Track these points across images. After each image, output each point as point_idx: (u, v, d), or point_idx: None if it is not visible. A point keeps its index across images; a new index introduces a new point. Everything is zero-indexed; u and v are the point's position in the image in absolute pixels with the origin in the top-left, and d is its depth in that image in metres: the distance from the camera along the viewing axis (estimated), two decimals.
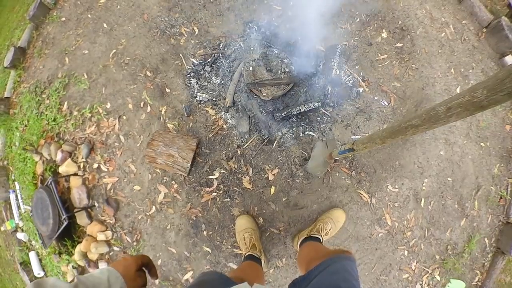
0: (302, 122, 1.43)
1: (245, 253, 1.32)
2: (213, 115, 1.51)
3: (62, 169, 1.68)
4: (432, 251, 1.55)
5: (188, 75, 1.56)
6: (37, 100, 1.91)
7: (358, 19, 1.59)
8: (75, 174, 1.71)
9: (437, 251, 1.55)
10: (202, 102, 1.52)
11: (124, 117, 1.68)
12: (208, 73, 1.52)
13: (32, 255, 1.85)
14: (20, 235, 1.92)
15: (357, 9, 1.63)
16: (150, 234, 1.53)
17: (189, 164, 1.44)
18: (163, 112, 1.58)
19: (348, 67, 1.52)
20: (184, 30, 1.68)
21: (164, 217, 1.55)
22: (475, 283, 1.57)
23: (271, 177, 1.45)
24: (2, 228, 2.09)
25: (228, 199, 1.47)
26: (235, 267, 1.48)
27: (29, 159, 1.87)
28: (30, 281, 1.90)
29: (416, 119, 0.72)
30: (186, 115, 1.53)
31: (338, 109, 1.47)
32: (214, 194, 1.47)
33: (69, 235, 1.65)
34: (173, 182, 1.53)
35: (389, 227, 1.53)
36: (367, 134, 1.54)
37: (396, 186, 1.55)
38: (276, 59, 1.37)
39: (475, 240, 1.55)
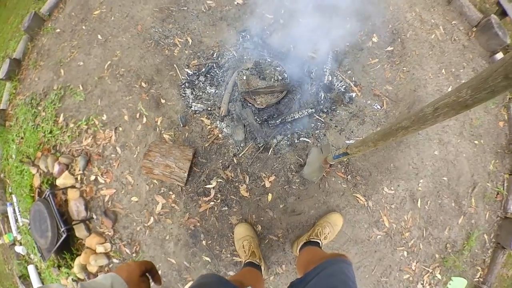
0: (296, 129, 1.44)
1: (245, 261, 1.32)
2: (208, 125, 1.52)
3: (59, 182, 1.68)
4: (431, 250, 1.56)
5: (183, 86, 1.57)
6: (33, 112, 1.91)
7: (348, 25, 1.61)
8: (73, 187, 1.71)
9: (436, 250, 1.56)
10: (197, 112, 1.54)
11: (120, 129, 1.69)
12: (203, 83, 1.53)
13: (31, 269, 1.84)
14: (19, 249, 1.91)
15: (347, 15, 1.65)
16: (149, 245, 1.53)
17: (186, 174, 1.44)
18: (158, 122, 1.59)
19: (340, 72, 1.54)
20: (178, 41, 1.70)
21: (163, 227, 1.55)
22: (477, 279, 1.57)
23: (267, 184, 1.46)
24: (0, 242, 2.08)
25: (226, 208, 1.47)
26: None
27: (26, 172, 1.87)
28: None
29: (405, 121, 0.74)
30: (181, 125, 1.54)
31: (331, 114, 1.49)
32: (212, 203, 1.48)
33: (68, 247, 1.65)
34: (170, 192, 1.54)
35: (387, 229, 1.54)
36: (360, 138, 1.56)
37: (392, 188, 1.57)
38: (269, 67, 1.38)
39: (474, 237, 1.56)
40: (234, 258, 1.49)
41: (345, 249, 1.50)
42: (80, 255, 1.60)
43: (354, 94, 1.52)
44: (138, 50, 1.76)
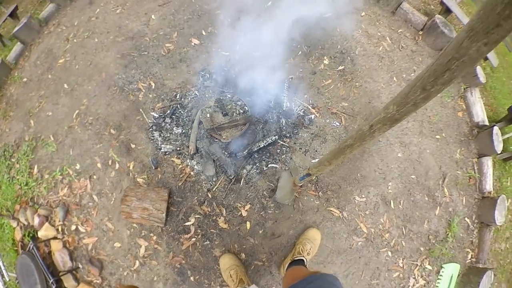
0: (264, 157, 1.53)
1: None
2: (179, 164, 1.58)
3: (41, 234, 1.67)
4: (414, 245, 1.65)
5: (151, 129, 1.62)
6: (7, 164, 1.89)
7: (300, 52, 1.74)
8: (55, 238, 1.70)
9: (420, 244, 1.65)
10: (167, 153, 1.59)
11: (95, 177, 1.70)
12: (169, 125, 1.59)
13: None
14: None
15: (298, 43, 1.78)
16: None
17: (164, 215, 1.48)
18: (131, 167, 1.63)
19: (297, 98, 1.65)
20: (142, 86, 1.76)
21: (149, 269, 1.56)
22: (469, 260, 1.66)
23: (244, 213, 1.52)
24: None
25: (208, 242, 1.51)
26: None
27: (6, 226, 1.84)
28: None
29: (349, 140, 0.81)
30: (153, 167, 1.58)
31: (294, 138, 1.58)
32: (193, 239, 1.51)
33: None
34: (151, 234, 1.56)
35: (366, 234, 1.62)
36: (317, 159, 1.65)
37: (363, 196, 1.66)
38: (230, 102, 1.47)
39: (455, 223, 1.65)
40: None
41: (330, 261, 1.56)
42: None
43: (313, 116, 1.62)
44: (104, 98, 1.80)
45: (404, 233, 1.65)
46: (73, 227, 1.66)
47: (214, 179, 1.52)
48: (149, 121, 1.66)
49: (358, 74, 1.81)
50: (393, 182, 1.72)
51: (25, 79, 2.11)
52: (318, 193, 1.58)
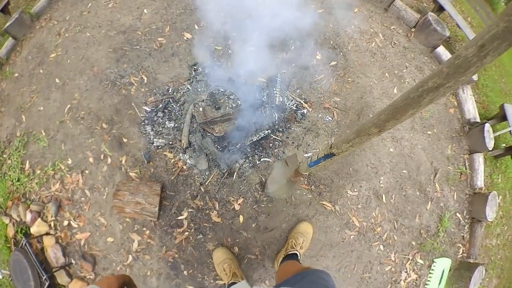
0: (256, 151, 1.53)
1: (228, 282, 1.36)
2: (172, 158, 1.57)
3: (34, 230, 1.66)
4: (406, 239, 1.67)
5: (143, 123, 1.62)
6: None
7: (292, 47, 1.75)
8: (48, 234, 1.69)
9: (411, 238, 1.67)
10: (159, 147, 1.58)
11: (87, 171, 1.69)
12: (161, 119, 1.59)
13: None
14: None
15: (290, 37, 1.78)
16: None
17: (156, 209, 1.47)
18: (123, 162, 1.62)
19: (289, 92, 1.66)
20: (133, 80, 1.74)
21: (142, 264, 1.56)
22: (461, 255, 1.69)
23: (237, 207, 1.53)
24: None
25: (201, 236, 1.51)
26: None
27: None
28: None
29: (399, 101, 0.70)
30: (146, 162, 1.58)
31: (287, 132, 1.59)
32: (186, 233, 1.51)
33: None
34: (144, 228, 1.56)
35: (358, 228, 1.64)
36: (318, 149, 1.67)
37: (355, 190, 1.68)
38: (223, 96, 1.46)
39: (446, 218, 1.68)
40: (217, 282, 1.52)
41: (322, 254, 1.58)
42: None
43: (305, 111, 1.63)
44: (96, 92, 1.78)
45: (396, 227, 1.67)
46: (66, 223, 1.65)
47: (206, 173, 1.52)
48: (141, 115, 1.65)
49: (350, 69, 1.83)
50: (385, 177, 1.75)
51: (16, 75, 2.08)
52: (311, 187, 1.59)
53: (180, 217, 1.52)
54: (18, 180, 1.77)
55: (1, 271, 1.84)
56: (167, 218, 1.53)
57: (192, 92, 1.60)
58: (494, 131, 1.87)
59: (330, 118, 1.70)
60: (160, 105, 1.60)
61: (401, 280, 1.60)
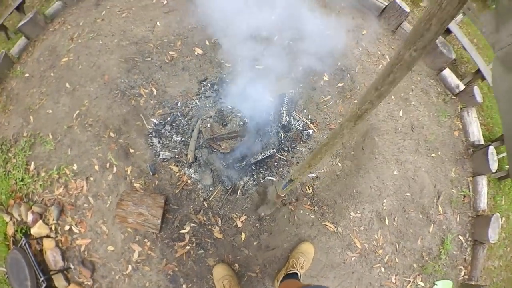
0: (261, 169, 1.55)
1: None
2: (177, 172, 1.59)
3: (34, 231, 1.67)
4: (408, 261, 1.67)
5: (150, 135, 1.64)
6: (4, 158, 1.87)
7: (300, 67, 1.77)
8: (48, 236, 1.70)
9: (413, 260, 1.67)
10: (165, 160, 1.60)
11: (92, 178, 1.70)
12: (169, 132, 1.61)
13: None
14: None
15: (299, 58, 1.81)
16: None
17: (159, 221, 1.48)
18: (128, 172, 1.63)
19: (296, 112, 1.68)
20: (143, 91, 1.77)
21: (142, 275, 1.56)
22: (462, 277, 1.69)
23: (239, 224, 1.54)
24: None
25: (202, 251, 1.52)
26: None
27: None
28: None
29: (325, 139, 0.90)
30: (151, 173, 1.59)
31: (292, 152, 1.61)
32: (188, 247, 1.52)
33: None
34: (145, 240, 1.56)
35: (360, 250, 1.64)
36: (322, 170, 1.68)
37: (358, 212, 1.68)
38: (231, 114, 1.49)
39: (448, 240, 1.69)
40: None
41: (323, 275, 1.58)
42: None
43: (311, 131, 1.65)
44: (105, 100, 1.81)
45: (397, 249, 1.68)
46: (67, 227, 1.66)
47: (211, 189, 1.53)
48: (149, 127, 1.67)
49: (356, 91, 1.85)
50: (388, 199, 1.75)
51: (27, 75, 2.10)
52: (314, 207, 1.60)
53: (182, 231, 1.53)
54: (22, 180, 1.78)
55: None
56: (169, 231, 1.54)
57: (200, 108, 1.62)
58: (498, 153, 1.88)
59: None
60: (168, 118, 1.62)
61: None
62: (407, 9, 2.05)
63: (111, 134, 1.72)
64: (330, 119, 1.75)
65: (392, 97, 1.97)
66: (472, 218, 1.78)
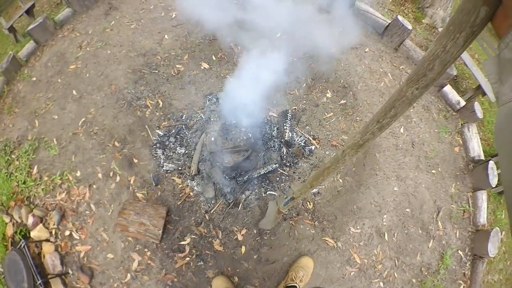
0: (263, 183, 1.57)
1: None
2: (180, 184, 1.61)
3: (34, 234, 1.67)
4: (407, 276, 1.68)
5: (154, 146, 1.67)
6: (6, 159, 1.89)
7: (304, 84, 1.81)
8: (47, 240, 1.71)
9: (412, 275, 1.68)
10: (168, 171, 1.62)
11: (94, 186, 1.72)
12: (173, 144, 1.63)
13: None
14: None
15: (303, 74, 1.85)
16: None
17: (160, 232, 1.50)
18: (132, 181, 1.65)
19: (299, 128, 1.72)
20: (149, 103, 1.81)
21: (140, 284, 1.57)
22: None
23: (240, 237, 1.55)
24: None
25: (202, 263, 1.53)
26: None
27: None
28: None
29: (327, 163, 0.93)
30: (154, 184, 1.61)
31: (294, 167, 1.64)
32: (188, 259, 1.53)
33: None
34: (146, 249, 1.57)
35: (359, 265, 1.65)
36: (323, 186, 1.70)
37: (358, 227, 1.70)
38: (234, 128, 1.52)
39: (448, 255, 1.70)
40: None
41: None
42: None
43: (313, 147, 1.68)
44: (111, 110, 1.84)
45: (396, 264, 1.68)
46: (67, 233, 1.67)
47: (212, 202, 1.55)
48: (154, 138, 1.70)
49: (359, 108, 1.89)
50: (388, 215, 1.77)
51: (34, 79, 2.14)
52: (314, 222, 1.61)
53: (182, 242, 1.55)
54: (24, 183, 1.80)
55: None
56: (170, 241, 1.55)
57: (205, 121, 1.65)
58: (498, 168, 1.89)
59: None
60: (173, 131, 1.65)
61: None
62: (409, 27, 2.09)
63: (116, 143, 1.75)
64: (332, 135, 1.78)
65: None
66: (471, 233, 1.80)
